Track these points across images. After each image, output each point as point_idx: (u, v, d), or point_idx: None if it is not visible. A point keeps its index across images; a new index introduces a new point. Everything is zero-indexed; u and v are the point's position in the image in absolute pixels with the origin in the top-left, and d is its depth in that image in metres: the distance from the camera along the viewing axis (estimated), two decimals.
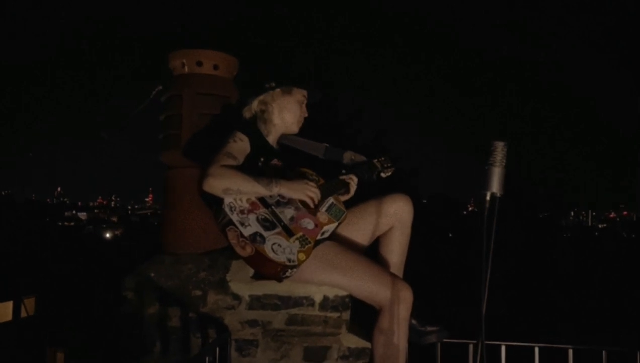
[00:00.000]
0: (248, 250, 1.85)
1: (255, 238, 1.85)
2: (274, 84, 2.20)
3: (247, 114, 2.21)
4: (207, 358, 1.75)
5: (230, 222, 1.87)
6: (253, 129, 2.14)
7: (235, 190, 1.88)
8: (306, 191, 1.97)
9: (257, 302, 2.14)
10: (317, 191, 2.00)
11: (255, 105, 2.20)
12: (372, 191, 2.29)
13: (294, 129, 2.25)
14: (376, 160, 2.34)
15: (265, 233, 1.87)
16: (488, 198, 1.49)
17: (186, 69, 2.39)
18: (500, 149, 1.49)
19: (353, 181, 2.19)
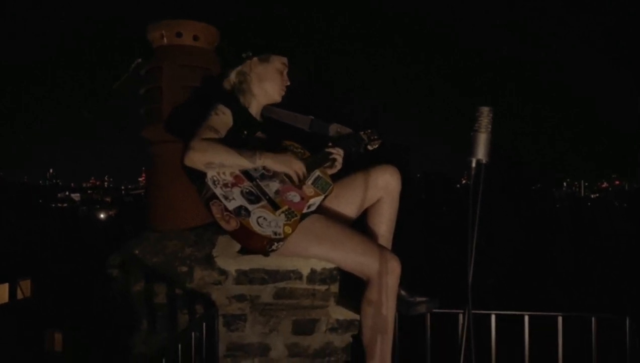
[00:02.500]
0: (233, 224, 1.82)
1: (240, 211, 1.82)
2: (250, 53, 2.13)
3: (226, 86, 2.15)
4: (194, 334, 1.73)
5: (214, 196, 1.84)
6: (235, 101, 2.08)
7: (218, 164, 1.84)
8: (291, 165, 1.93)
9: (244, 277, 2.12)
10: (302, 165, 1.95)
11: (233, 77, 2.13)
12: (361, 164, 2.26)
13: (276, 98, 2.19)
14: (363, 132, 2.30)
15: (250, 207, 1.84)
16: (474, 165, 1.45)
17: (165, 40, 2.32)
18: (485, 115, 1.45)
19: (339, 154, 2.16)
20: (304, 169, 1.96)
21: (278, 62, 2.15)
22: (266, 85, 2.13)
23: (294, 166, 1.93)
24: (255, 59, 2.13)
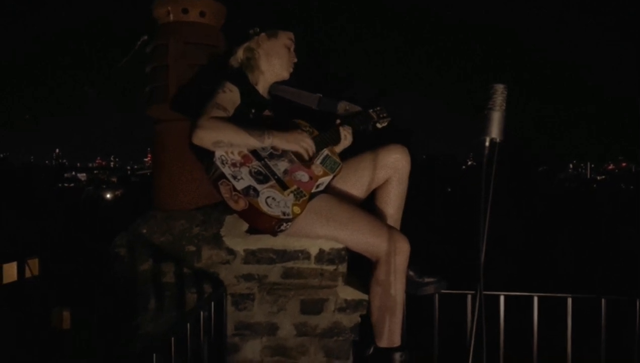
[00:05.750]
0: (241, 204, 1.81)
1: (248, 191, 1.80)
2: (258, 29, 2.10)
3: (233, 63, 2.12)
4: (202, 313, 1.73)
5: (222, 176, 1.83)
6: (243, 78, 2.05)
7: (227, 143, 1.82)
8: (300, 142, 1.91)
9: (252, 256, 2.11)
10: (311, 142, 1.95)
11: (240, 53, 2.10)
12: (369, 145, 2.23)
13: (284, 74, 2.16)
14: (371, 110, 2.27)
15: (258, 187, 1.82)
16: (487, 143, 1.42)
17: (171, 17, 2.28)
18: (500, 92, 1.41)
19: (348, 132, 2.14)
20: (313, 146, 1.95)
21: (285, 38, 2.13)
22: (274, 61, 2.10)
23: (303, 143, 1.92)
24: (262, 35, 2.10)
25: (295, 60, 2.17)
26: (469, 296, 2.22)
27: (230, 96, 1.93)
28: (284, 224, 1.86)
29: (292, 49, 2.15)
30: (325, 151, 2.06)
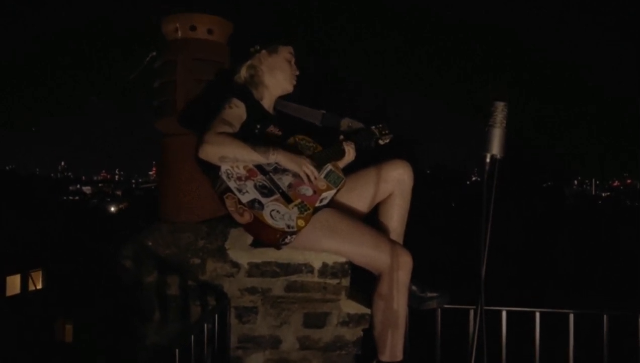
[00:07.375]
0: (246, 217, 1.84)
1: (253, 204, 1.84)
2: (258, 47, 2.17)
3: (238, 81, 2.18)
4: (206, 326, 1.75)
5: (228, 189, 1.86)
6: (248, 95, 2.10)
7: (232, 158, 1.86)
8: (302, 166, 1.95)
9: (256, 270, 2.13)
10: (314, 169, 1.98)
11: (243, 71, 2.16)
12: (372, 159, 2.26)
13: (288, 87, 2.21)
14: (374, 127, 2.31)
15: (263, 200, 1.86)
16: (488, 160, 1.45)
17: (179, 33, 2.33)
18: (500, 110, 1.45)
19: (351, 148, 2.17)
20: (316, 173, 1.98)
21: (286, 52, 2.19)
22: (278, 75, 2.16)
23: (305, 169, 1.95)
24: (263, 51, 2.16)
25: (298, 73, 2.22)
26: (471, 311, 2.23)
27: (236, 112, 1.98)
28: (288, 237, 1.88)
29: (293, 62, 2.21)
30: (329, 166, 2.09)
